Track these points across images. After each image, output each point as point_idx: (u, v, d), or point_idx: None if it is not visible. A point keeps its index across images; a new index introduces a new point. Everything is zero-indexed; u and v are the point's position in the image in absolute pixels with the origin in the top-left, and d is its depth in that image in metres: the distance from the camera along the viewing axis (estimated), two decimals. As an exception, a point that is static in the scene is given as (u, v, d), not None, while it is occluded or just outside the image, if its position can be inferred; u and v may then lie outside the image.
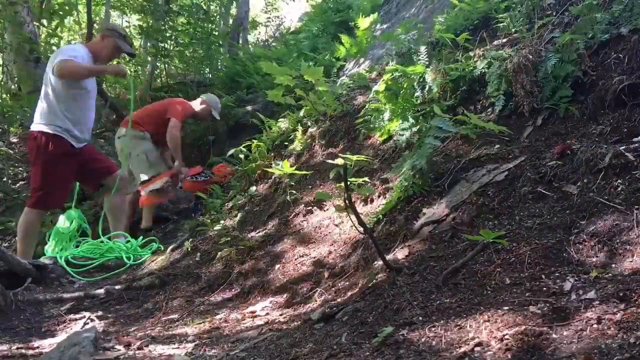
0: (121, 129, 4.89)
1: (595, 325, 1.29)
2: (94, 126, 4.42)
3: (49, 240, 4.19)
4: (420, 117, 3.01)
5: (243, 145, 4.71)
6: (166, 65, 9.59)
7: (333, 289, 2.44)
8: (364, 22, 4.79)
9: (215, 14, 11.16)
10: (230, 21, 11.87)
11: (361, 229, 2.02)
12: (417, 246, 2.22)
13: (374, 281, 2.08)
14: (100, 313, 2.85)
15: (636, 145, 2.02)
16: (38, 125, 3.92)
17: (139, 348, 2.10)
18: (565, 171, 2.10)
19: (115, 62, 5.36)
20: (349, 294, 2.21)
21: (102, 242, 4.11)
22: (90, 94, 4.11)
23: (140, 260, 3.94)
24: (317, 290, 2.49)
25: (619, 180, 1.91)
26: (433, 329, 1.53)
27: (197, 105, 5.24)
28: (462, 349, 1.37)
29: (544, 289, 1.58)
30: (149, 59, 9.59)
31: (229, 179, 5.05)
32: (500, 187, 2.23)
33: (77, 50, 3.99)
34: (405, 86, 3.22)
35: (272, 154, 4.42)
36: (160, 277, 3.26)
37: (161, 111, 4.90)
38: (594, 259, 1.67)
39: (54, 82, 3.88)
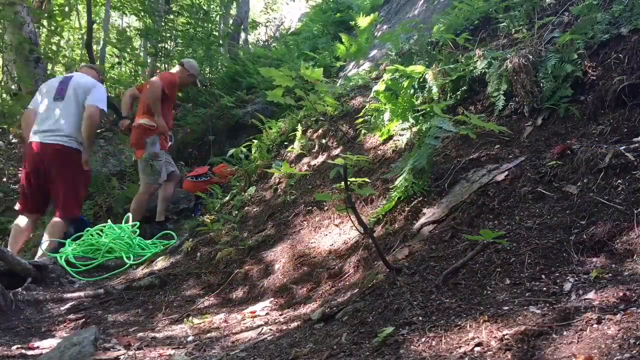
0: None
1: (595, 325, 1.29)
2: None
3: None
4: (420, 117, 3.01)
5: (243, 145, 4.72)
6: (166, 66, 9.59)
7: (333, 289, 2.44)
8: (363, 21, 4.79)
9: (215, 14, 11.15)
10: (230, 21, 11.87)
11: (361, 229, 2.02)
12: (417, 246, 2.22)
13: (374, 281, 2.08)
14: (100, 313, 2.85)
15: (636, 145, 2.02)
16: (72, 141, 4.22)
17: (139, 348, 2.10)
18: (565, 171, 2.10)
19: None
20: (349, 294, 2.21)
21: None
22: None
23: (141, 260, 3.94)
24: (317, 290, 2.49)
25: (619, 180, 1.91)
26: (433, 329, 1.53)
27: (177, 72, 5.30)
28: (462, 349, 1.37)
29: (544, 289, 1.58)
30: (149, 60, 9.60)
31: (229, 179, 5.07)
32: (500, 187, 2.23)
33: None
34: (405, 86, 3.22)
35: (272, 154, 4.42)
36: (160, 277, 3.26)
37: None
38: (594, 259, 1.67)
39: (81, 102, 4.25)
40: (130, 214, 4.73)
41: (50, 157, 4.12)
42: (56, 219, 4.17)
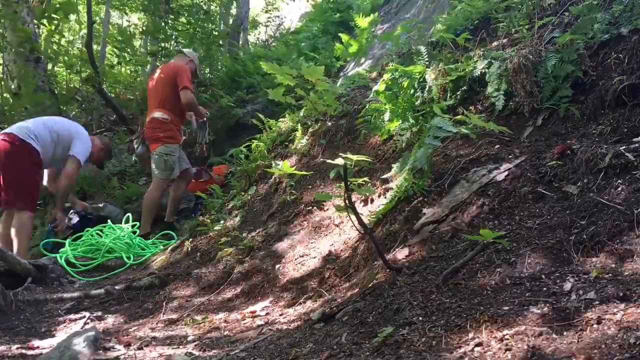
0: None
1: (595, 325, 1.29)
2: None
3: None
4: (420, 117, 3.01)
5: (243, 145, 4.71)
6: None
7: (333, 289, 2.44)
8: (363, 21, 4.79)
9: (215, 14, 11.15)
10: (230, 21, 11.86)
11: (361, 229, 2.02)
12: (417, 246, 2.22)
13: (374, 281, 2.08)
14: (100, 313, 2.85)
15: (636, 145, 2.02)
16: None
17: (139, 348, 2.10)
18: (565, 171, 2.10)
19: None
20: (349, 294, 2.21)
21: None
22: None
23: (141, 260, 3.94)
24: (317, 290, 2.49)
25: (619, 180, 1.91)
26: (433, 329, 1.53)
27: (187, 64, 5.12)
28: (462, 349, 1.37)
29: (544, 289, 1.58)
30: (149, 58, 9.60)
31: (222, 172, 5.13)
32: (500, 187, 2.23)
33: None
34: (405, 86, 3.22)
35: (272, 154, 4.42)
36: (160, 277, 3.26)
37: (172, 83, 4.83)
38: (594, 259, 1.67)
39: None
40: (129, 214, 4.71)
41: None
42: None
